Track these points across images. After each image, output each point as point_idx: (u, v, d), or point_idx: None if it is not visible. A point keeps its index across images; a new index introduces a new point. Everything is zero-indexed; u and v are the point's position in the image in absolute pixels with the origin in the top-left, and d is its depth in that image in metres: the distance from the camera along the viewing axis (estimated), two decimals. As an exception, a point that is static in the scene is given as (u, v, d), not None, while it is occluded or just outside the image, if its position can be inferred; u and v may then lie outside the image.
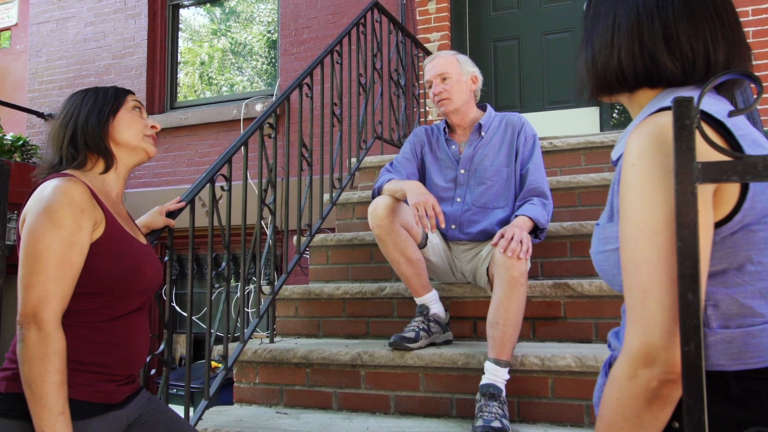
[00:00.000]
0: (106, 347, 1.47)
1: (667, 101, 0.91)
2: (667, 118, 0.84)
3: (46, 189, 1.41)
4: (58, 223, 1.36)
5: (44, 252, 1.35)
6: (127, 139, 1.63)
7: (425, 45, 4.83)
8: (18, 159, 5.84)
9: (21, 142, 5.92)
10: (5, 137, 5.82)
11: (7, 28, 7.12)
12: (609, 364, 1.04)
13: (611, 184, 0.98)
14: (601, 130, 4.71)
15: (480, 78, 2.74)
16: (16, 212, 1.47)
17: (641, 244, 0.83)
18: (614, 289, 0.98)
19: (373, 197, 2.61)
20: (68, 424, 1.33)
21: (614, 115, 4.79)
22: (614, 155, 1.02)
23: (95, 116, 1.60)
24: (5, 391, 1.38)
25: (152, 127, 1.71)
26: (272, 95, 5.62)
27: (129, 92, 1.70)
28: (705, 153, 0.77)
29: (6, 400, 1.37)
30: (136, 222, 1.93)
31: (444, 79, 2.65)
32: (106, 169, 1.61)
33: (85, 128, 1.58)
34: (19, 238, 1.43)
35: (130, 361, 1.53)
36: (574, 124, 4.77)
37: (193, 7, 6.43)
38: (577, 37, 4.87)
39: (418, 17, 5.07)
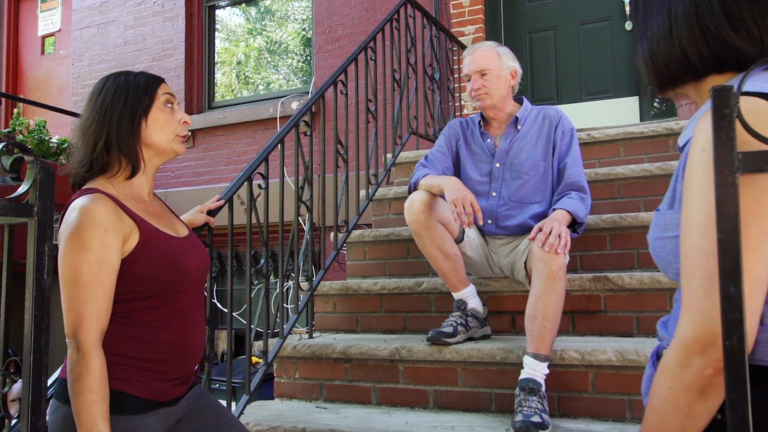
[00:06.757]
0: (162, 345, 1.50)
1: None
2: (741, 103, 0.81)
3: (73, 213, 1.43)
4: (84, 247, 1.38)
5: (74, 276, 1.38)
6: (158, 142, 1.59)
7: (459, 39, 4.80)
8: (63, 161, 6.00)
9: (66, 144, 6.07)
10: (51, 140, 5.98)
11: (51, 35, 7.33)
12: (656, 354, 1.02)
13: (675, 170, 0.95)
14: (641, 120, 4.62)
15: (519, 72, 2.69)
16: (61, 213, 1.50)
17: (710, 233, 0.80)
18: (668, 276, 0.96)
19: (410, 192, 2.61)
20: None
21: (655, 104, 4.69)
22: (681, 141, 0.99)
23: (127, 119, 1.54)
24: (61, 376, 1.44)
25: (184, 123, 1.64)
26: (308, 93, 5.66)
27: (160, 81, 1.63)
28: (752, 142, 0.73)
29: (64, 385, 1.42)
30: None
31: (483, 74, 2.61)
32: (133, 174, 1.57)
33: (119, 132, 1.53)
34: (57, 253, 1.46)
35: (185, 359, 1.55)
36: (613, 114, 4.68)
37: (229, 7, 6.51)
38: (615, 25, 4.79)
39: (451, 11, 5.05)
